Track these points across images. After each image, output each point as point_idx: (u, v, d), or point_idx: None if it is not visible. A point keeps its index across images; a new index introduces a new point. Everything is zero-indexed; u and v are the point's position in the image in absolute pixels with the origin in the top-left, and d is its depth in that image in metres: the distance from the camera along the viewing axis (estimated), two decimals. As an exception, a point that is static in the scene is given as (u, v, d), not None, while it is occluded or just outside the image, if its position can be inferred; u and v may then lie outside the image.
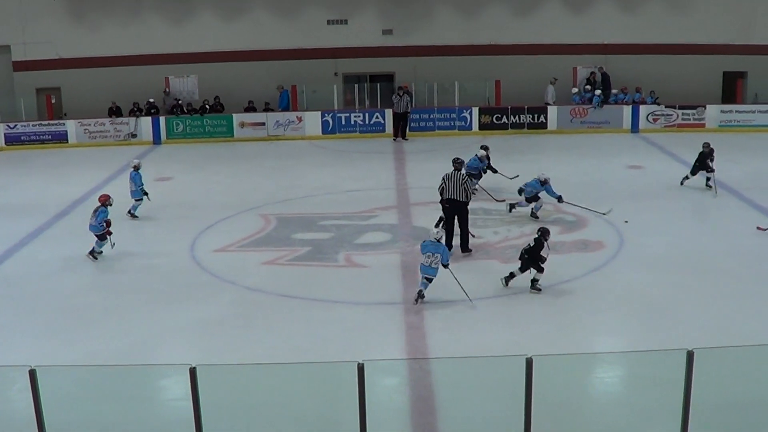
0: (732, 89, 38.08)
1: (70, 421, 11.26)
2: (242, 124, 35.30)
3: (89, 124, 35.27)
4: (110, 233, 19.56)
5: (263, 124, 35.35)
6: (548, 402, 10.41)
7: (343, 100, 37.51)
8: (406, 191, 25.61)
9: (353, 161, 30.66)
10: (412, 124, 35.35)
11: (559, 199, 21.73)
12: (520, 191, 22.08)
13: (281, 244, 20.48)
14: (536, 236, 17.25)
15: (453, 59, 37.51)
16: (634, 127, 35.70)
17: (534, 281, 17.22)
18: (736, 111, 36.18)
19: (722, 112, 36.16)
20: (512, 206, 22.35)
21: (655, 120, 35.88)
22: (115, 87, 36.51)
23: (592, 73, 37.62)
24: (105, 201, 19.87)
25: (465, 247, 19.47)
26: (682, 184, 25.02)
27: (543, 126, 35.95)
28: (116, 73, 37.03)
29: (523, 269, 17.22)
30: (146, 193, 22.92)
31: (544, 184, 21.73)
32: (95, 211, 19.64)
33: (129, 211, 22.76)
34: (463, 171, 19.93)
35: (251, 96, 36.28)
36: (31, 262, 19.88)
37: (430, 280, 16.52)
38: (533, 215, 22.02)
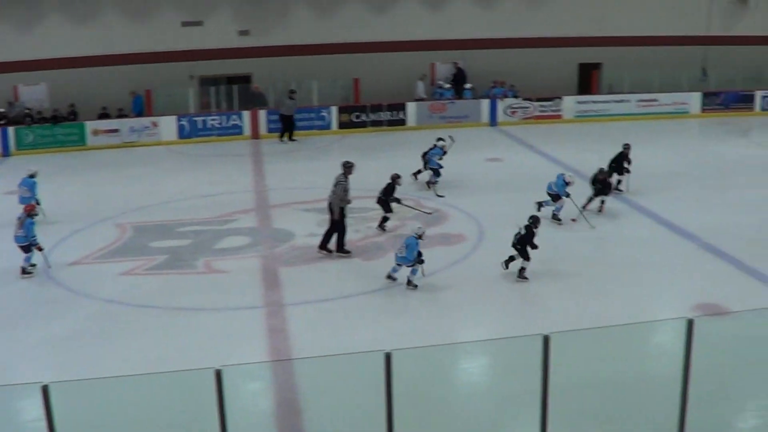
0: (588, 80, 39.01)
1: None
2: (95, 132, 34.35)
3: (-65, 139, 33.98)
4: (40, 249, 18.73)
5: (117, 130, 34.44)
6: (411, 394, 10.39)
7: (200, 104, 36.88)
8: (265, 194, 25.38)
9: (211, 165, 30.27)
10: (271, 125, 35.08)
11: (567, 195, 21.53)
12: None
13: (138, 253, 20.02)
14: (527, 224, 17.55)
15: (311, 58, 37.33)
16: (493, 121, 36.18)
17: (522, 270, 17.49)
18: (592, 101, 37.22)
19: (578, 102, 37.07)
20: (540, 204, 21.82)
21: (513, 113, 36.44)
22: (-41, 98, 35.29)
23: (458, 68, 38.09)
24: (31, 211, 18.89)
25: (323, 244, 19.40)
26: (617, 189, 24.17)
27: (402, 123, 36.08)
28: (-40, 83, 35.82)
29: (524, 256, 17.55)
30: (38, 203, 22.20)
31: (567, 185, 21.34)
32: (20, 221, 18.65)
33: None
34: (341, 176, 19.34)
35: (105, 102, 35.35)
36: None
37: (400, 266, 17.21)
38: (555, 218, 21.41)
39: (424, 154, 25.46)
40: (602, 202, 22.09)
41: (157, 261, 19.30)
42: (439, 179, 24.61)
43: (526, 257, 17.46)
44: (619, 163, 24.17)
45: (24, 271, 18.71)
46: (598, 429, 11.46)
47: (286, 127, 34.22)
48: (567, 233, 20.55)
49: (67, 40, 36.12)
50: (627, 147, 24.31)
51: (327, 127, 35.66)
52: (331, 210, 19.14)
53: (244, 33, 37.46)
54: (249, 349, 14.49)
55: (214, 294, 17.38)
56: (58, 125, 34.10)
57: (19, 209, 19.63)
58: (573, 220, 21.18)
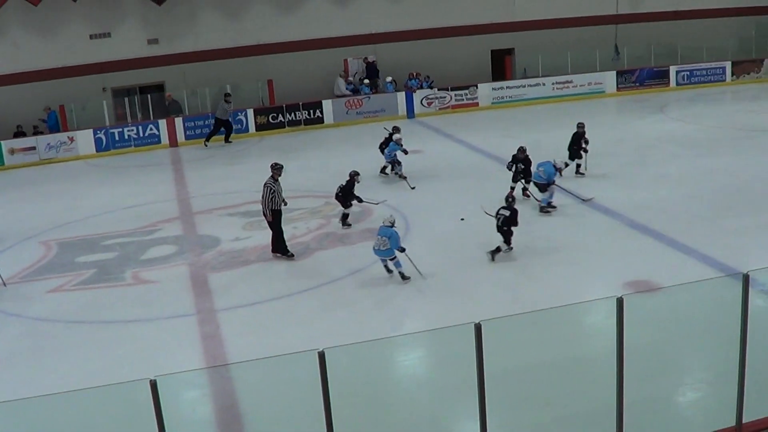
0: (501, 66, 39.39)
1: None
2: (12, 151, 33.89)
3: None
4: None
5: (34, 148, 34.04)
6: (349, 391, 10.50)
7: (115, 115, 36.55)
8: (187, 201, 25.30)
9: (131, 176, 30.05)
10: (188, 132, 34.97)
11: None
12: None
13: (65, 269, 19.86)
14: (506, 205, 18.19)
15: (222, 63, 37.23)
16: (410, 113, 36.41)
17: (497, 250, 18.01)
18: (507, 87, 37.65)
19: (494, 89, 37.48)
20: (526, 191, 22.33)
21: (429, 104, 36.73)
22: None
23: (374, 62, 38.28)
24: None
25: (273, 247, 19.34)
26: (578, 173, 24.31)
27: (320, 121, 36.17)
28: None
29: (507, 240, 18.00)
30: None
31: (558, 171, 21.47)
32: None
33: None
34: (270, 180, 19.06)
35: (19, 120, 34.95)
36: None
37: (387, 260, 17.23)
38: (544, 210, 21.25)
39: (381, 148, 25.60)
40: (525, 187, 22.17)
41: (84, 276, 19.16)
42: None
43: (509, 241, 17.91)
44: (578, 144, 24.17)
45: None
46: (537, 413, 11.58)
47: (218, 130, 34.17)
48: (487, 217, 20.72)
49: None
50: (582, 126, 24.30)
51: (244, 130, 35.57)
52: (264, 214, 19.09)
53: (153, 41, 37.21)
54: (184, 358, 14.43)
55: (145, 305, 17.30)
56: (-28, 147, 33.58)
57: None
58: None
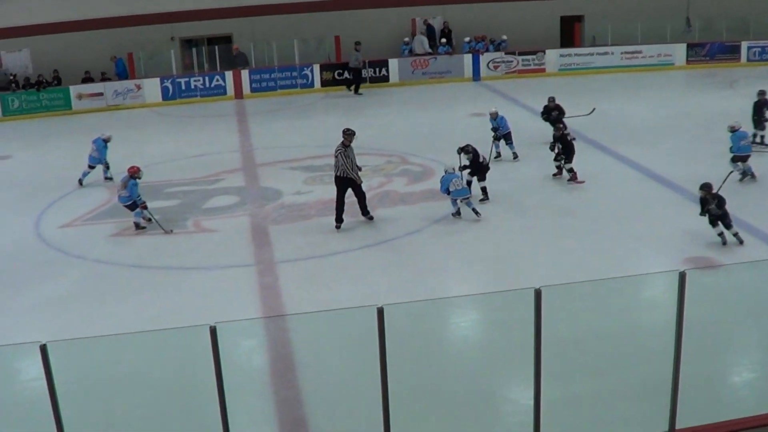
0: (570, 33, 38.93)
1: None
2: (80, 96, 34.43)
3: None
4: (145, 207, 18.98)
5: (102, 94, 34.54)
6: (404, 349, 10.56)
7: (182, 65, 36.95)
8: (251, 152, 25.48)
9: (196, 126, 30.32)
10: (254, 85, 35.16)
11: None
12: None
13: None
14: (466, 155, 19.33)
15: (290, 17, 37.24)
16: (476, 76, 36.20)
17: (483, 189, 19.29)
18: (575, 54, 37.09)
19: (561, 56, 37.03)
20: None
21: (495, 67, 36.48)
22: (-56, 66, 35.22)
23: (425, 21, 38.02)
24: (135, 172, 19.05)
25: (365, 212, 18.67)
26: (755, 143, 22.85)
27: (385, 79, 36.14)
28: (-56, 52, 35.74)
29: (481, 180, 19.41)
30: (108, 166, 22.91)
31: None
32: (124, 182, 18.97)
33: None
34: (341, 147, 18.18)
35: (88, 67, 35.38)
36: None
37: (466, 200, 18.51)
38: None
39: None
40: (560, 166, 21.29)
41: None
42: None
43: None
44: (760, 113, 23.27)
45: (137, 227, 19.05)
46: (591, 383, 11.53)
47: (354, 79, 34.33)
48: (553, 187, 20.65)
49: (48, 6, 36.07)
50: (762, 94, 23.38)
51: (309, 85, 35.70)
52: (343, 180, 18.28)
53: (224, -7, 37.41)
54: (242, 306, 14.60)
55: (205, 253, 17.50)
56: (42, 90, 34.09)
57: (8, 175, 19.73)
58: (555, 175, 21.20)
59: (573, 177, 20.49)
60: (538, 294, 9.28)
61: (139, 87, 34.74)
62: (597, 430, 10.40)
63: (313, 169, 22.19)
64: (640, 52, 37.21)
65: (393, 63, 36.21)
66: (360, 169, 18.80)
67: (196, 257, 17.30)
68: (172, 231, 18.67)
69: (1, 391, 11.99)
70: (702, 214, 16.64)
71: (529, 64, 36.70)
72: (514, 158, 22.63)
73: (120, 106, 34.34)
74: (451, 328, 13.36)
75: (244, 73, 35.38)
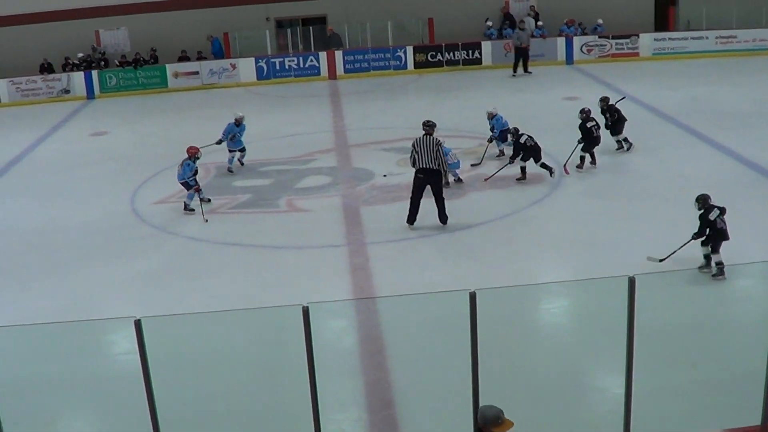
0: (664, 17, 38.23)
1: (17, 380, 11.19)
2: (176, 74, 34.89)
3: (21, 83, 34.62)
4: (198, 190, 19.07)
5: (197, 73, 34.96)
6: (495, 334, 10.47)
7: (277, 45, 37.19)
8: (344, 133, 25.53)
9: (290, 106, 30.48)
10: (347, 66, 35.22)
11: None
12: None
13: (222, 192, 20.35)
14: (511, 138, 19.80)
15: (385, -2, 37.23)
16: (569, 59, 35.77)
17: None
18: (669, 38, 36.32)
19: (655, 40, 36.28)
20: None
21: (589, 51, 35.97)
22: (45, 43, 35.83)
23: (531, 6, 37.65)
24: (194, 154, 19.25)
25: (443, 216, 17.19)
26: None
27: (478, 62, 35.85)
28: (45, 29, 36.28)
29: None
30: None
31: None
32: (182, 162, 19.18)
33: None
34: (436, 135, 17.13)
35: (184, 45, 35.80)
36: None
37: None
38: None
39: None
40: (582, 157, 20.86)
41: (240, 200, 19.58)
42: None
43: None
44: None
45: (186, 207, 19.23)
46: (684, 373, 11.37)
47: (520, 58, 33.93)
48: (645, 173, 20.31)
49: (146, -15, 36.55)
50: None
51: (403, 67, 35.60)
52: (431, 177, 17.01)
53: (319, -26, 37.48)
54: (332, 287, 14.69)
55: (297, 232, 17.59)
56: (139, 68, 34.60)
57: (105, 150, 20.05)
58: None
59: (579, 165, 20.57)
60: (631, 282, 9.12)
61: (234, 66, 35.06)
62: (687, 423, 10.22)
63: (405, 151, 21.96)
64: (734, 36, 36.27)
65: (486, 45, 35.88)
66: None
67: (288, 236, 17.40)
68: (207, 221, 18.60)
69: (95, 363, 12.20)
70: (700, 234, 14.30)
71: (623, 48, 36.05)
72: (499, 155, 22.05)
73: (215, 85, 34.72)
74: (542, 315, 13.28)
75: (338, 54, 35.45)
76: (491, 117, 21.79)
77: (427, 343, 12.13)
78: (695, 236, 13.98)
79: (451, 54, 35.83)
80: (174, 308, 13.37)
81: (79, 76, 34.65)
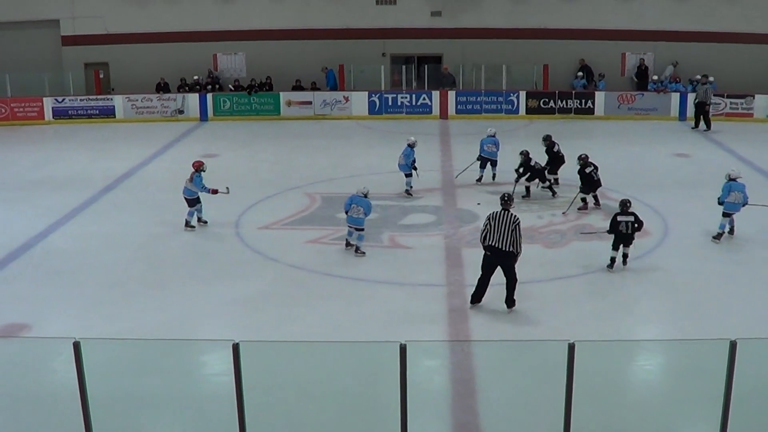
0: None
1: (112, 393, 11.37)
2: (289, 103, 35.38)
3: (136, 100, 35.50)
4: (215, 192, 20.19)
5: (310, 103, 35.43)
6: (587, 387, 10.36)
7: (391, 81, 37.50)
8: (450, 173, 25.52)
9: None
10: (459, 106, 35.33)
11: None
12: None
13: (325, 223, 20.51)
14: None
15: (501, 42, 37.20)
16: (682, 115, 35.28)
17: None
18: (786, 101, 35.59)
19: (772, 101, 35.60)
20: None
21: (703, 108, 35.40)
22: (162, 63, 36.78)
23: (641, 59, 37.29)
24: (199, 167, 20.11)
25: (511, 300, 15.41)
26: None
27: (590, 111, 35.64)
28: (164, 49, 37.29)
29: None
30: (415, 168, 23.25)
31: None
32: (191, 176, 19.96)
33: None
34: (513, 211, 15.51)
35: (298, 75, 36.31)
36: (77, 236, 20.10)
37: (358, 230, 18.25)
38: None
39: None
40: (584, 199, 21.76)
41: (343, 232, 19.61)
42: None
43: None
44: None
45: (187, 224, 20.06)
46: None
47: (700, 115, 33.18)
48: (755, 238, 19.85)
49: (265, 13, 37.39)
50: None
51: (514, 111, 35.57)
52: (503, 258, 15.26)
53: (436, 14, 37.70)
54: (428, 326, 14.66)
55: (397, 268, 17.64)
56: (254, 94, 35.17)
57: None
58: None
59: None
60: (733, 346, 8.97)
61: (347, 99, 35.43)
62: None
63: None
64: None
65: (599, 96, 35.64)
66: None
67: (388, 272, 17.44)
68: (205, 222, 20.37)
69: (188, 382, 12.35)
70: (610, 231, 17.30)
71: (737, 108, 35.42)
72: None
73: (327, 116, 35.10)
74: (637, 371, 13.07)
75: (451, 94, 35.59)
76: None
77: (520, 390, 12.02)
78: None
79: (564, 102, 35.69)
80: (270, 334, 13.49)
81: (194, 98, 35.41)
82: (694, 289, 16.57)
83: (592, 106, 35.66)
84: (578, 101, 35.64)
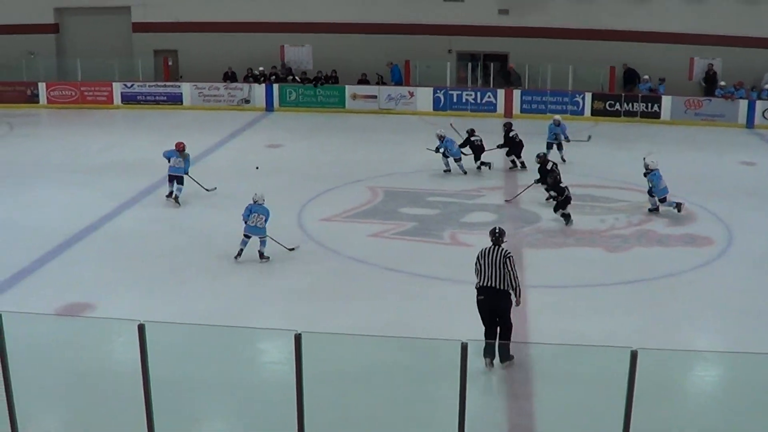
0: None
1: (173, 375, 11.51)
2: (354, 96, 35.53)
3: (204, 88, 35.89)
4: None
5: (375, 97, 35.56)
6: (644, 395, 10.33)
7: (456, 78, 37.48)
8: (514, 173, 25.45)
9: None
10: (524, 106, 35.24)
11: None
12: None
13: (388, 217, 20.59)
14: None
15: (568, 42, 36.92)
16: (749, 123, 34.86)
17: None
18: None
19: (844, 111, 35.06)
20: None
21: (771, 116, 34.97)
22: (230, 52, 37.14)
23: (709, 65, 36.83)
24: (183, 149, 21.61)
25: (506, 354, 13.23)
26: None
27: (656, 115, 35.32)
28: (232, 39, 37.66)
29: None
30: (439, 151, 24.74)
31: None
32: (179, 157, 21.52)
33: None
34: (504, 246, 13.76)
35: (364, 68, 36.46)
36: (141, 220, 20.41)
37: (262, 239, 17.71)
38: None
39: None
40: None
41: (405, 227, 19.74)
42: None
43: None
44: None
45: (176, 199, 21.49)
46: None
47: None
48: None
49: (333, 6, 37.55)
50: None
51: (579, 112, 35.33)
52: (497, 299, 13.47)
53: (503, 12, 37.62)
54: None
55: (457, 266, 17.49)
56: (319, 87, 35.36)
57: (278, 163, 20.54)
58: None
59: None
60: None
61: (411, 94, 35.51)
62: None
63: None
64: None
65: (666, 100, 35.30)
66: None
67: (448, 269, 17.39)
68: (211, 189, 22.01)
69: (246, 369, 12.49)
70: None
71: (808, 116, 34.91)
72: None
73: (391, 111, 35.20)
74: (696, 381, 12.97)
75: (516, 93, 35.52)
76: (442, 139, 24.75)
77: (578, 395, 11.97)
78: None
79: (630, 105, 35.40)
80: (327, 326, 13.55)
81: (260, 88, 35.73)
82: (757, 301, 16.32)
83: (658, 110, 35.34)
84: (644, 105, 35.33)
